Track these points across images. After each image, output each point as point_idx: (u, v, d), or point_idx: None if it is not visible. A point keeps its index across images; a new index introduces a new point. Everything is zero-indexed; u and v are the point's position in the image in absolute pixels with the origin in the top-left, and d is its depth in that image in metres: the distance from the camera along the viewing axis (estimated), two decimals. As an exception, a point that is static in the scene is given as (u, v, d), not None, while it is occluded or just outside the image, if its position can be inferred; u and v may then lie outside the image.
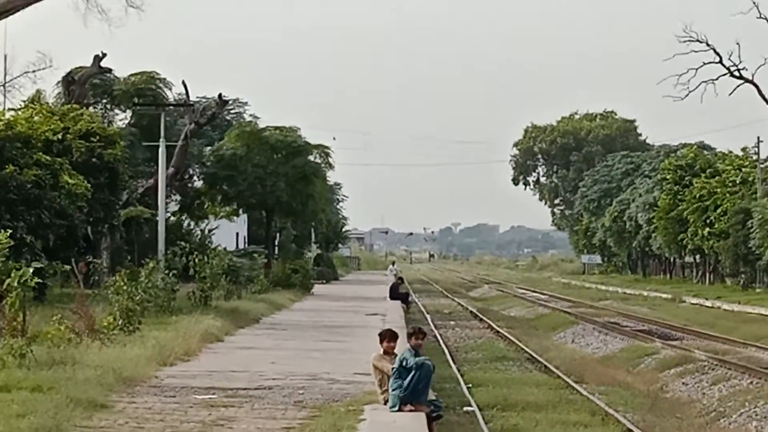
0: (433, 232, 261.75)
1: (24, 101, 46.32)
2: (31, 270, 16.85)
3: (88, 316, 18.37)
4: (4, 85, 49.49)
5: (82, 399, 11.53)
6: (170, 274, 29.02)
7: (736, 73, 58.51)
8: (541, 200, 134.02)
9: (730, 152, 72.26)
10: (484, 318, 44.28)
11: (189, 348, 19.37)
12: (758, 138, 64.78)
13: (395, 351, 12.34)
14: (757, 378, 21.95)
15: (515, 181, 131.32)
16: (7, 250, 19.11)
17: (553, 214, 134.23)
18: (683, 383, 23.88)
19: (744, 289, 57.47)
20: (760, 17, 57.01)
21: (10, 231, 20.31)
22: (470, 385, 21.17)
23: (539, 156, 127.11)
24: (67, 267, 23.85)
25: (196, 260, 32.18)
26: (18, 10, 32.86)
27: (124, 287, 21.85)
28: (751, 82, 58.82)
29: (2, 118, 34.01)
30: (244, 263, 41.66)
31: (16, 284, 16.14)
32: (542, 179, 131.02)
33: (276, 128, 57.30)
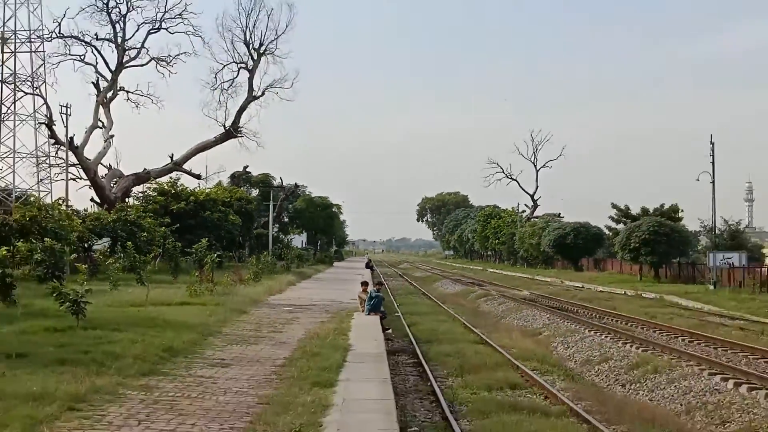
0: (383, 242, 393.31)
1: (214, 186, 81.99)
2: (215, 255, 42.79)
3: (239, 274, 41.29)
4: (205, 178, 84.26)
5: (235, 309, 27.29)
6: (272, 258, 64.55)
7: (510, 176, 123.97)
8: (428, 228, 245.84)
9: (507, 209, 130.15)
10: (404, 276, 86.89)
11: (281, 288, 42.11)
12: (518, 203, 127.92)
13: (368, 290, 29.23)
14: (516, 302, 43.94)
15: (418, 219, 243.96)
16: (206, 247, 42.84)
17: (434, 233, 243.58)
18: (486, 304, 46.45)
19: (512, 265, 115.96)
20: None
21: (207, 239, 45.64)
22: (399, 305, 42.85)
23: (428, 208, 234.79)
24: (230, 254, 66.86)
25: (283, 251, 73.12)
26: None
27: (254, 263, 50.18)
28: (515, 179, 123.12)
29: (205, 191, 68.42)
30: (304, 253, 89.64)
31: (210, 261, 39.08)
32: (429, 219, 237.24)
33: (318, 197, 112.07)
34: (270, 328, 23.11)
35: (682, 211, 72.46)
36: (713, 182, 56.53)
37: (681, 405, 17.25)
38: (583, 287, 57.31)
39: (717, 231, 65.42)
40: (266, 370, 15.59)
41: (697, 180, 57.73)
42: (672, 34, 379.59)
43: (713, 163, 56.58)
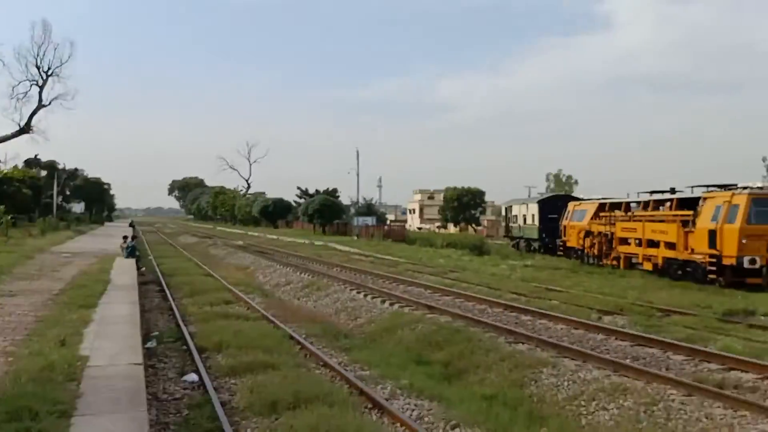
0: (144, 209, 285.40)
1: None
2: (10, 217, 35.78)
3: (29, 231, 33.40)
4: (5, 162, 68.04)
5: (24, 255, 24.35)
6: (56, 219, 54.55)
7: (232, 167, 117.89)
8: (176, 200, 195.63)
9: (231, 188, 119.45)
10: (158, 232, 72.24)
11: (62, 241, 35.75)
12: (238, 185, 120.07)
13: (127, 241, 28.07)
14: (234, 248, 41.29)
15: (169, 194, 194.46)
16: (3, 212, 35.44)
17: (180, 204, 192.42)
18: (213, 250, 42.93)
19: (233, 225, 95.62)
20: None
21: (3, 206, 36.89)
22: (152, 251, 38.46)
23: (176, 187, 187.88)
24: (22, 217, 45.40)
25: (65, 215, 59.57)
26: None
27: (41, 223, 43.86)
28: (236, 169, 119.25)
29: (3, 171, 56.50)
30: (82, 217, 77.87)
31: (5, 221, 33.16)
32: (177, 194, 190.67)
33: (93, 178, 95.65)
34: (50, 268, 20.62)
35: (340, 192, 76.74)
36: (358, 175, 60.08)
37: (332, 309, 17.79)
38: (278, 238, 57.50)
39: (360, 204, 70.34)
40: (44, 298, 13.87)
41: (348, 173, 61.19)
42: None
43: (358, 164, 59.94)
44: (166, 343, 12.08)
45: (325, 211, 64.81)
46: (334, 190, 75.49)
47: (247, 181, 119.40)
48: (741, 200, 19.99)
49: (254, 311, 16.13)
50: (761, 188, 20.73)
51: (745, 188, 20.55)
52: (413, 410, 8.27)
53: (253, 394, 8.27)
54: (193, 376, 9.49)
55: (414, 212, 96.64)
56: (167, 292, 19.30)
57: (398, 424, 7.60)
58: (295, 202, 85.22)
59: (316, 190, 77.00)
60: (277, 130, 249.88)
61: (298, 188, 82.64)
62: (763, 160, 39.85)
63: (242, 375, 9.39)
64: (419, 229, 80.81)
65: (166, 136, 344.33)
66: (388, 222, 76.31)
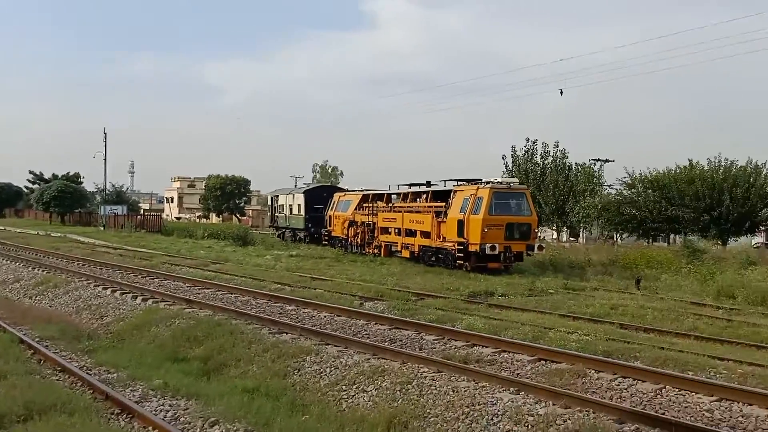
0: None
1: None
2: None
3: None
4: None
5: None
6: None
7: None
8: None
9: None
10: None
11: None
12: None
13: None
14: None
15: None
16: None
17: None
18: None
19: None
20: None
21: None
22: None
23: None
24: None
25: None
26: None
27: None
28: None
29: None
30: None
31: None
32: None
33: None
34: None
35: (84, 177, 69.95)
36: (105, 159, 55.37)
37: (73, 308, 16.20)
38: (5, 229, 50.45)
39: (108, 191, 65.28)
40: None
41: (94, 157, 55.94)
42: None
43: (105, 147, 55.11)
44: None
45: (65, 199, 58.80)
46: (76, 175, 68.19)
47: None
48: (484, 193, 22.65)
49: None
50: (500, 183, 23.72)
51: (488, 183, 23.33)
52: (168, 411, 7.90)
53: (-32, 411, 7.17)
54: None
55: (172, 201, 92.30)
56: None
57: (150, 428, 7.21)
58: (27, 188, 75.61)
59: (53, 175, 68.74)
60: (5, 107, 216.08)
61: (31, 172, 72.67)
62: (503, 158, 45.41)
63: (-47, 390, 8.08)
64: (178, 219, 77.41)
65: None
66: (141, 211, 71.59)
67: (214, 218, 74.57)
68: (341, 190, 37.50)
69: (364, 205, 31.00)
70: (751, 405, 7.51)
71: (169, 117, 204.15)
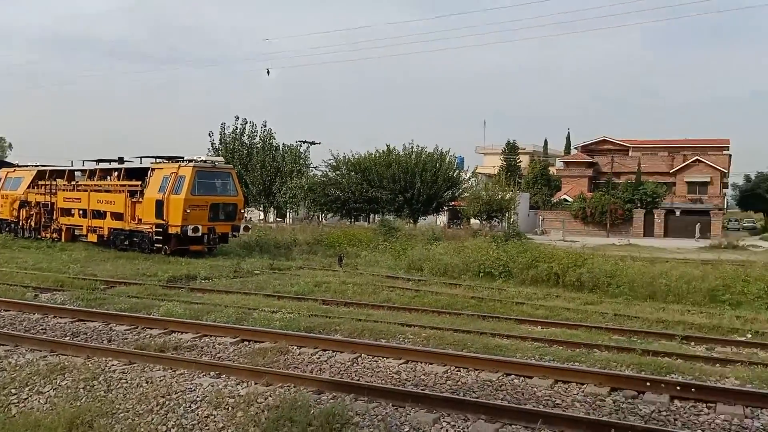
0: None
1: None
2: None
3: None
4: None
5: None
6: None
7: None
8: None
9: None
10: None
11: None
12: None
13: None
14: None
15: None
16: None
17: None
18: None
19: None
20: None
21: None
22: None
23: None
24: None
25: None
26: None
27: None
28: None
29: None
30: None
31: None
32: None
33: None
34: None
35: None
36: None
37: None
38: None
39: None
40: None
41: None
42: None
43: None
44: None
45: None
46: None
47: None
48: (187, 172, 22.02)
49: None
50: (205, 161, 23.29)
51: (191, 161, 22.70)
52: None
53: None
54: None
55: None
56: None
57: None
58: None
59: None
60: None
61: None
62: (210, 134, 44.71)
63: None
64: None
65: None
66: None
67: None
68: (10, 165, 33.35)
69: (40, 183, 27.90)
70: (431, 364, 8.65)
71: None
